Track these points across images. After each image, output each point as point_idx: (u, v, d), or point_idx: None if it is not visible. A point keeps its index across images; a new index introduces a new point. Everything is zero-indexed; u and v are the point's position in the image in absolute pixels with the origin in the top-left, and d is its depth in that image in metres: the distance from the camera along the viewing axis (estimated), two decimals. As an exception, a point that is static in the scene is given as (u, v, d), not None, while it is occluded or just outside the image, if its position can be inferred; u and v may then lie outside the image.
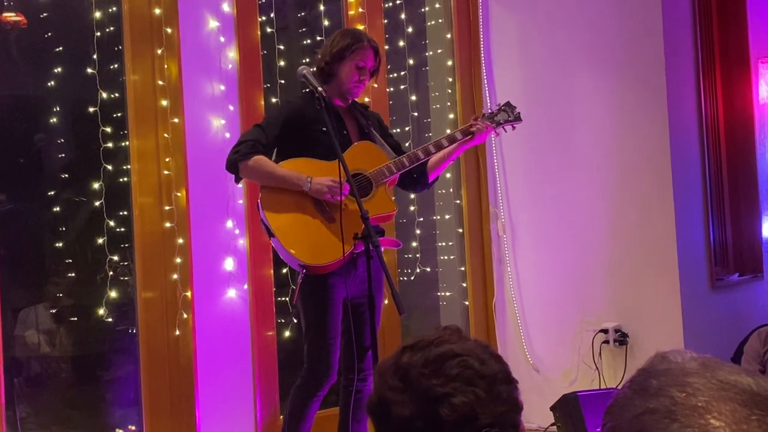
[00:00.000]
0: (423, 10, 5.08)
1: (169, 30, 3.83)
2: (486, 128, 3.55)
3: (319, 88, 3.21)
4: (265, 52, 4.14)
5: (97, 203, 3.72)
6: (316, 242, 3.28)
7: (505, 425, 1.29)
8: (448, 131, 3.71)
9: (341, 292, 3.34)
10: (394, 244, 3.60)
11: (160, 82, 3.82)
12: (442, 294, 5.12)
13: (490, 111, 3.67)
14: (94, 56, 3.73)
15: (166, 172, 3.81)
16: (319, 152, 3.35)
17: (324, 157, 3.34)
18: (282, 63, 4.23)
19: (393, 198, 3.55)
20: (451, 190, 5.05)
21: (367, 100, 4.57)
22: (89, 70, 3.74)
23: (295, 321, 3.35)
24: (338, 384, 3.44)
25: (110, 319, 3.77)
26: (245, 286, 3.98)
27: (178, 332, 3.79)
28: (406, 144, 4.86)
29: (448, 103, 5.06)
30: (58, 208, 3.79)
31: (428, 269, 4.93)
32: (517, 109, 3.66)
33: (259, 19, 4.17)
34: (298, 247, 3.26)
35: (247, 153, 3.27)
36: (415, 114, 4.91)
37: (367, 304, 3.37)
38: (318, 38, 4.47)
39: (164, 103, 3.81)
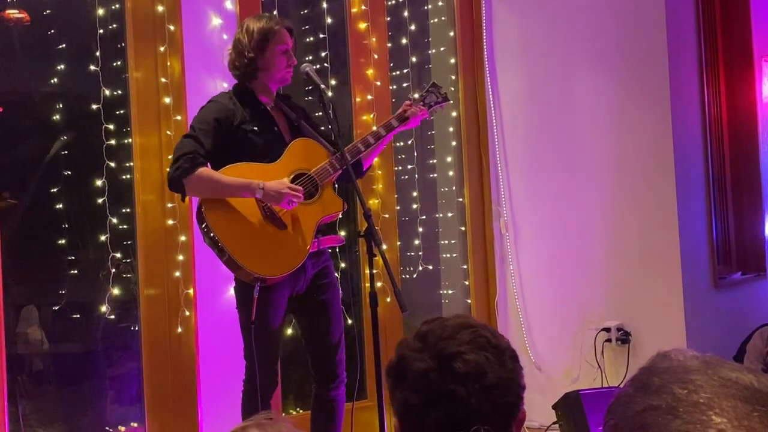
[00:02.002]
0: (426, 7, 5.08)
1: (172, 27, 3.83)
2: (420, 112, 3.48)
3: (322, 86, 3.19)
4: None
5: (99, 200, 3.72)
6: (270, 252, 3.14)
7: (509, 392, 1.42)
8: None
9: (284, 305, 3.23)
10: (337, 241, 3.44)
11: (163, 80, 3.82)
12: (445, 292, 5.12)
13: (419, 94, 3.58)
14: (97, 53, 3.73)
15: (168, 170, 3.81)
16: (252, 154, 3.19)
17: (258, 159, 3.19)
18: (285, 60, 4.22)
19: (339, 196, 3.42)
20: (454, 188, 5.05)
21: (369, 97, 4.57)
22: (92, 68, 3.74)
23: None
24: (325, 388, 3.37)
25: (113, 316, 3.77)
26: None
27: (180, 329, 3.79)
28: (409, 142, 4.86)
29: (451, 101, 5.04)
30: (60, 205, 3.80)
31: (430, 267, 4.93)
32: (443, 88, 3.63)
33: (262, 17, 4.17)
34: (251, 260, 3.10)
35: (189, 168, 3.07)
36: (418, 112, 4.91)
37: (323, 300, 3.31)
38: (321, 36, 4.47)
39: (167, 100, 3.82)
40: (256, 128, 3.22)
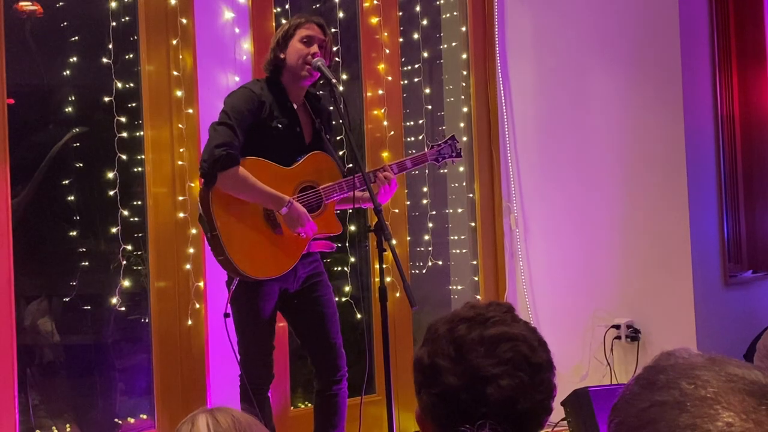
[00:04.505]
0: (438, 2, 5.07)
1: (184, 20, 3.84)
2: (387, 185, 3.30)
3: (333, 80, 3.19)
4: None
5: (111, 192, 3.73)
6: (261, 253, 3.16)
7: (540, 411, 1.38)
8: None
9: (274, 298, 3.22)
10: (327, 247, 3.39)
11: (175, 73, 3.83)
12: (454, 287, 5.12)
13: (437, 143, 3.56)
14: (110, 46, 3.74)
15: (180, 163, 3.82)
16: (270, 150, 3.19)
17: (275, 158, 3.19)
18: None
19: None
20: (464, 183, 5.05)
21: (380, 92, 4.57)
22: (104, 60, 3.75)
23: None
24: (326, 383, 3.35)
25: (123, 308, 3.79)
26: (257, 277, 3.98)
27: (190, 322, 3.80)
28: (420, 137, 4.86)
29: (462, 97, 5.05)
30: (72, 197, 3.81)
31: (440, 262, 4.93)
32: (459, 143, 3.64)
33: (274, 11, 4.18)
34: (240, 257, 3.11)
35: (227, 163, 3.06)
36: (429, 107, 4.91)
37: (317, 296, 3.31)
38: (333, 30, 4.46)
39: (179, 93, 3.82)
40: (279, 125, 3.22)
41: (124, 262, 3.73)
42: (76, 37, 3.88)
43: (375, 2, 4.57)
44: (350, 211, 4.22)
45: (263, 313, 3.21)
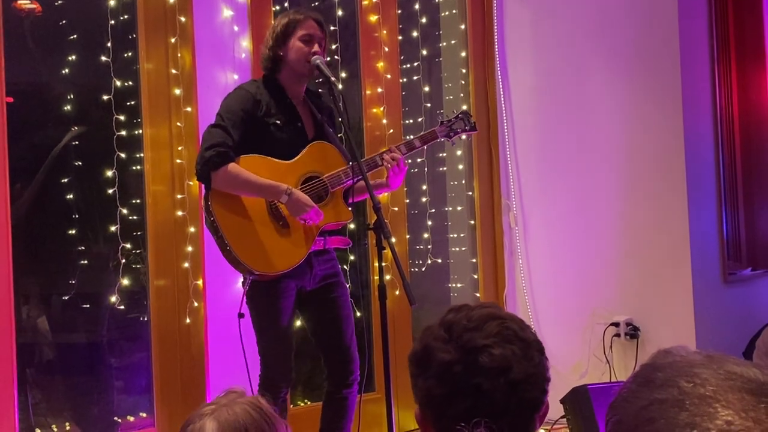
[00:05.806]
0: (437, 0, 5.07)
1: (183, 18, 3.84)
2: (396, 168, 3.26)
3: (332, 78, 3.18)
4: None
5: (110, 191, 3.73)
6: (268, 250, 3.12)
7: (534, 386, 1.40)
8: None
9: (292, 296, 3.19)
10: (344, 243, 3.38)
11: (174, 71, 3.83)
12: (453, 285, 5.12)
13: (447, 119, 3.50)
14: (108, 44, 3.74)
15: (178, 161, 3.82)
16: (271, 148, 3.17)
17: (279, 155, 3.17)
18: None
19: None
20: (464, 181, 5.05)
21: (379, 90, 4.57)
22: (103, 58, 3.75)
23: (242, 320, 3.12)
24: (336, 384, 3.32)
25: (122, 307, 3.79)
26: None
27: (189, 320, 3.81)
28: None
29: (461, 95, 5.05)
30: (71, 196, 3.81)
31: (439, 260, 4.94)
32: (472, 118, 3.58)
33: (273, 9, 4.18)
34: (248, 254, 3.08)
35: (219, 162, 3.05)
36: (428, 105, 4.91)
37: (334, 297, 3.28)
38: (332, 28, 4.46)
39: (177, 91, 3.82)
40: (278, 122, 3.20)
41: (123, 261, 3.73)
42: (75, 36, 3.88)
43: (374, 0, 4.57)
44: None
45: (282, 312, 3.17)
